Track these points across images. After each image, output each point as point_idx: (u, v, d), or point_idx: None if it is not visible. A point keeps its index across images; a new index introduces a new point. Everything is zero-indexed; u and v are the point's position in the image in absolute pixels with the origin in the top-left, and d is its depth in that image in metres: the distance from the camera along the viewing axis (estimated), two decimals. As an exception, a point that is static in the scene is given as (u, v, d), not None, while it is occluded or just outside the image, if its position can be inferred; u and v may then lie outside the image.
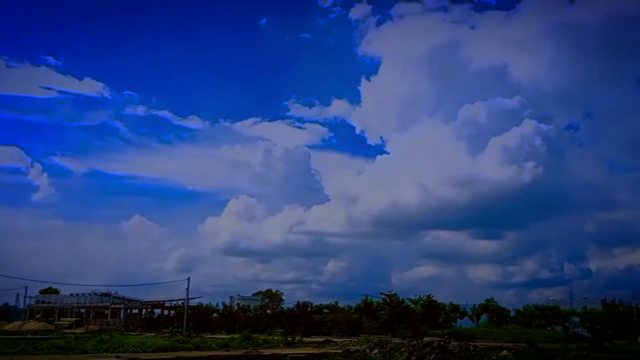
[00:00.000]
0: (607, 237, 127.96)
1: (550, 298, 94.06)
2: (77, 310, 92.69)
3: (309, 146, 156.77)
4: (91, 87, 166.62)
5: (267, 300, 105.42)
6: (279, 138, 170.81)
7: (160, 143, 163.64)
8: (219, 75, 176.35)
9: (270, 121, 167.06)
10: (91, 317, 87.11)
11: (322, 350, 39.96)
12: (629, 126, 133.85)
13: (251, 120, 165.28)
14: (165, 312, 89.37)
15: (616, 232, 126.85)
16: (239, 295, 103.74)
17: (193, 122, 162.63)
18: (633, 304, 76.11)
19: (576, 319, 78.62)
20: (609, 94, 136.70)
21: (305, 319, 73.26)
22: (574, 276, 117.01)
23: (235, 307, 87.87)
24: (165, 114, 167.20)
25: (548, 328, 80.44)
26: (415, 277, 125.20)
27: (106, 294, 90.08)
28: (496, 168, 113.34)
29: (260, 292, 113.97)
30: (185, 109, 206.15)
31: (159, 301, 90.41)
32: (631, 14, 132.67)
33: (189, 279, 73.06)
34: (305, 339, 53.34)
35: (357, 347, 39.90)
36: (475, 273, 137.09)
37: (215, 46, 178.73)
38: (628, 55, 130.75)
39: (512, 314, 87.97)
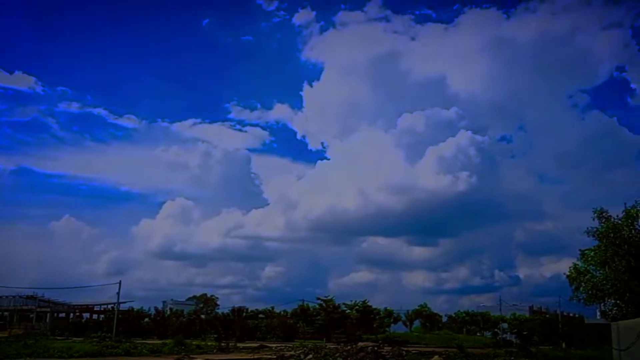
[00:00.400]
0: (535, 246, 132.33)
1: (481, 304, 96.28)
2: (0, 313, 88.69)
3: (249, 150, 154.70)
4: (22, 81, 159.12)
5: (201, 305, 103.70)
6: (219, 140, 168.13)
7: (94, 141, 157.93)
8: (158, 74, 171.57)
9: (210, 123, 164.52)
10: (15, 320, 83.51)
11: (256, 356, 39.77)
12: (559, 140, 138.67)
13: (190, 121, 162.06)
14: (94, 316, 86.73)
15: (544, 241, 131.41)
16: (172, 299, 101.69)
17: (129, 121, 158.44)
18: (558, 311, 78.75)
19: (505, 325, 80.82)
20: (541, 108, 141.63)
21: (240, 324, 72.56)
22: (503, 283, 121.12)
23: (168, 312, 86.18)
24: (100, 111, 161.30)
25: (478, 333, 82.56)
26: (351, 283, 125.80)
27: (31, 297, 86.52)
28: (432, 177, 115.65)
29: (194, 297, 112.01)
30: (122, 107, 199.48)
31: (87, 305, 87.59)
32: (563, 33, 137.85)
33: (120, 283, 70.81)
34: (240, 345, 53.00)
35: (292, 353, 39.91)
36: (409, 279, 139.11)
37: (155, 45, 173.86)
38: (560, 72, 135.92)
39: (444, 319, 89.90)
